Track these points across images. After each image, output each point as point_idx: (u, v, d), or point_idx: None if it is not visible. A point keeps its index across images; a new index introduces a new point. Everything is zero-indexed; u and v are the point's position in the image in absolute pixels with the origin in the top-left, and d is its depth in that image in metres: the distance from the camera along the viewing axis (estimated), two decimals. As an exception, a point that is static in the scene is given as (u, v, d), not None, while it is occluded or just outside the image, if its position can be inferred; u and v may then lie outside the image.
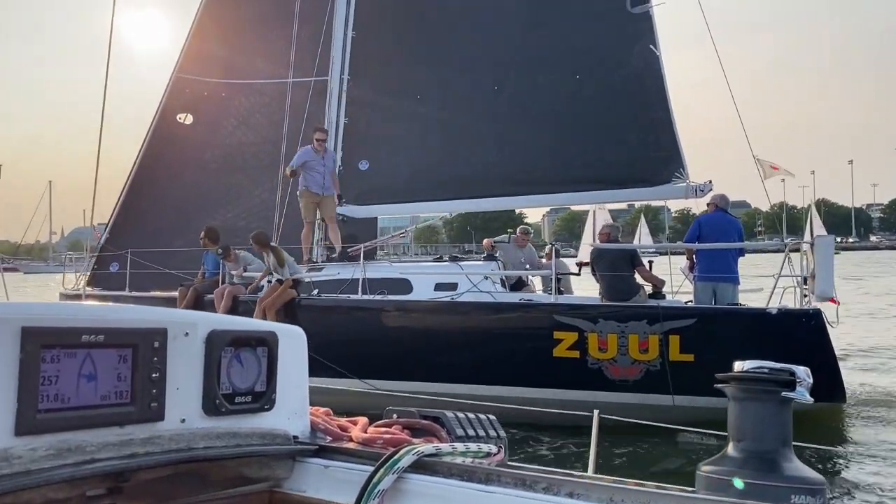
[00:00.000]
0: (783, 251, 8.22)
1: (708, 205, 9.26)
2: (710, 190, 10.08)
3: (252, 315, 8.54)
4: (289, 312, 8.59)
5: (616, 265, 8.56)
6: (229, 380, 1.63)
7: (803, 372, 1.56)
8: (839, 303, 8.94)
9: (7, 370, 1.30)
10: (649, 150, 10.32)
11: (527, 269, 10.08)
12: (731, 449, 1.55)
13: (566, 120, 10.66)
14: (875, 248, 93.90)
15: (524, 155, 10.61)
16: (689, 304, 8.52)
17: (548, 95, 10.80)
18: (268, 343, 1.71)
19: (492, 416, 2.02)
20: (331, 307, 8.83)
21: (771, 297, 7.99)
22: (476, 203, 10.66)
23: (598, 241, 9.59)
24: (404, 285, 9.12)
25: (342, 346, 8.18)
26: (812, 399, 1.53)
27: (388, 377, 7.84)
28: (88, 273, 11.17)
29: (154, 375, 1.49)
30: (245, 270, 9.48)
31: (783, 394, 1.54)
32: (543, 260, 10.78)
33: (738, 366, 1.60)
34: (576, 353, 7.86)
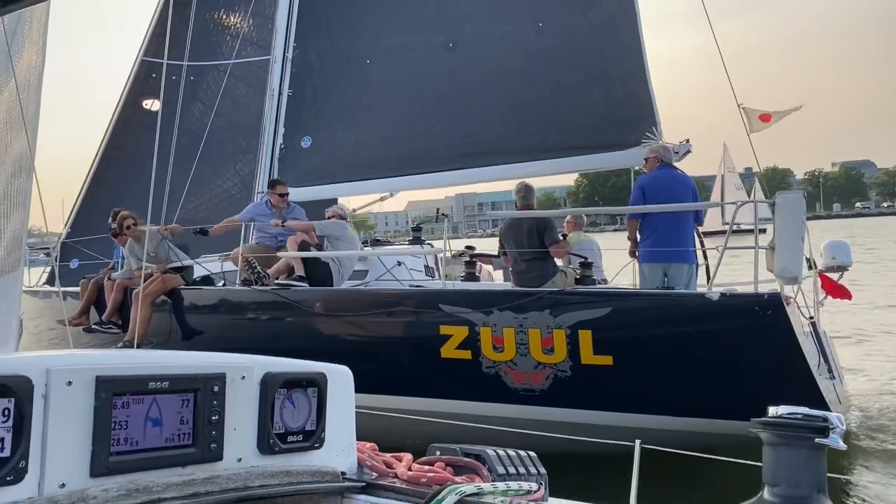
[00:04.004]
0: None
1: (647, 160, 7.28)
2: (688, 152, 8.30)
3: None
4: (172, 304, 7.78)
5: (526, 240, 6.91)
6: (282, 420, 1.71)
7: (836, 419, 1.63)
8: (848, 294, 6.96)
9: (83, 417, 1.41)
10: (618, 108, 8.70)
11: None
12: (766, 493, 1.62)
13: (525, 77, 9.19)
14: None
15: (478, 123, 9.22)
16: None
17: (506, 49, 9.36)
18: (318, 384, 1.78)
19: (532, 453, 2.05)
20: (203, 299, 7.89)
21: (714, 275, 6.27)
22: (424, 179, 9.41)
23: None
24: None
25: (211, 343, 7.27)
26: (845, 446, 1.59)
27: None
28: (48, 269, 10.92)
29: (214, 418, 1.58)
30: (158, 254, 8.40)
31: (816, 440, 1.58)
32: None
33: (773, 410, 1.69)
34: (467, 354, 6.41)
